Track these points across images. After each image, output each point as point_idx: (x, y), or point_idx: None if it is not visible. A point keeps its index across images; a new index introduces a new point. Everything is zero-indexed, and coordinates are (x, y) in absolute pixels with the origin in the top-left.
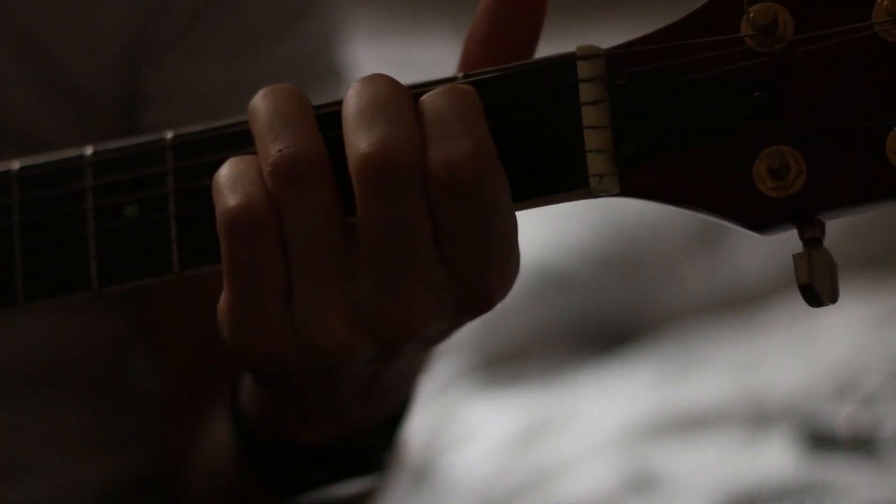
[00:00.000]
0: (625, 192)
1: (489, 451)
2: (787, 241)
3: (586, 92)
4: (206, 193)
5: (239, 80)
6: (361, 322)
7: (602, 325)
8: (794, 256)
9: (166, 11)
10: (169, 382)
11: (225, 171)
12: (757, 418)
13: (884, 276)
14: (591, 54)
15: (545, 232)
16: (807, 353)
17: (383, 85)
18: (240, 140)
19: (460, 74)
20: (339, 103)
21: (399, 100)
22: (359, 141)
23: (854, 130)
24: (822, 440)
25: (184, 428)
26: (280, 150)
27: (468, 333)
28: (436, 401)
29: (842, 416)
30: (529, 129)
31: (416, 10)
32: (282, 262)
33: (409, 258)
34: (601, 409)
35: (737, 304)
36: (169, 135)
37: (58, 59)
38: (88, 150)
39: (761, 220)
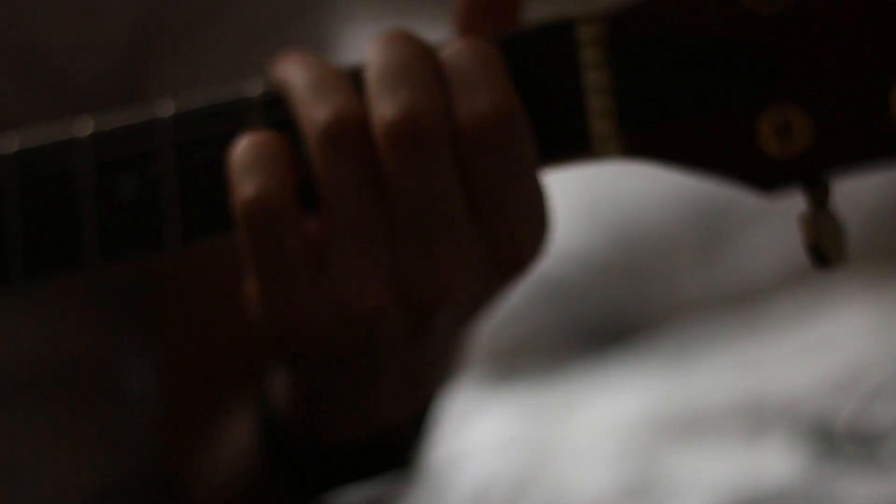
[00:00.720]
0: (627, 155)
1: (488, 451)
2: (788, 240)
3: (587, 55)
4: (207, 167)
5: (242, 77)
6: (395, 284)
7: (601, 326)
8: (799, 217)
9: (167, 10)
10: (172, 380)
11: (240, 154)
12: (757, 418)
13: (885, 276)
14: (591, 17)
15: None
16: (807, 353)
17: (405, 45)
18: (239, 114)
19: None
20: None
21: (422, 59)
22: (384, 107)
23: (858, 88)
24: (822, 440)
25: (190, 427)
26: (328, 115)
27: None
28: None
29: (842, 416)
30: (531, 94)
31: (419, 7)
32: (308, 243)
33: (442, 219)
34: (600, 409)
35: (737, 304)
36: (167, 109)
37: (57, 60)
38: (84, 127)
39: (766, 180)
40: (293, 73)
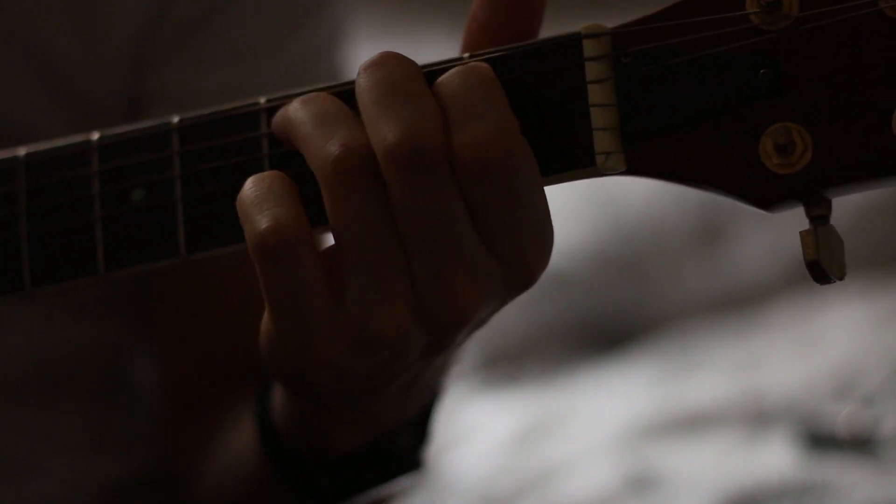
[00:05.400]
0: (631, 170)
1: (489, 451)
2: (787, 241)
3: (592, 70)
4: (212, 177)
5: (243, 84)
6: (415, 306)
7: (602, 325)
8: (801, 233)
9: (169, 17)
10: (173, 387)
11: (249, 191)
12: (757, 418)
13: (884, 276)
14: (596, 33)
15: None
16: (807, 353)
17: (396, 66)
18: (245, 123)
19: (466, 55)
20: (350, 84)
21: (415, 81)
22: (383, 130)
23: (859, 107)
24: (821, 440)
25: (190, 434)
26: (337, 148)
27: None
28: None
29: (842, 416)
30: (536, 108)
31: (418, 10)
32: (324, 275)
33: (450, 238)
34: (601, 408)
35: (737, 304)
36: (175, 119)
37: (64, 67)
38: (94, 136)
39: (767, 196)
40: (293, 111)
